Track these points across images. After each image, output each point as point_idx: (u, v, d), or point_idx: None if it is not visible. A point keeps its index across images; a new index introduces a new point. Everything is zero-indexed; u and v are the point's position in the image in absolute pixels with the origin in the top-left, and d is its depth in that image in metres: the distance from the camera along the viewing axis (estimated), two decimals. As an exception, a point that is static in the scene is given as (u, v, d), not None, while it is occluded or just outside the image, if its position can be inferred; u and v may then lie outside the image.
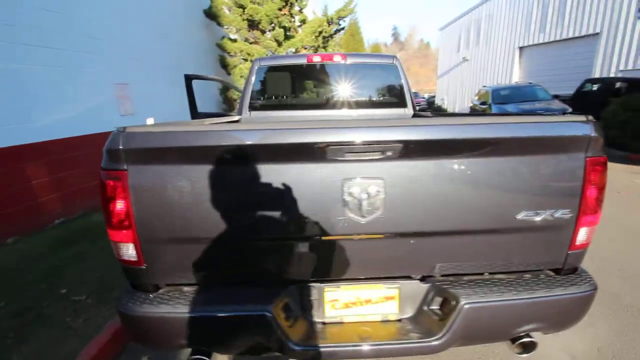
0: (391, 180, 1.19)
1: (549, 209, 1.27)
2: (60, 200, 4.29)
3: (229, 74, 7.89)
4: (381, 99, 3.43)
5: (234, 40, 7.85)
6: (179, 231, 1.23)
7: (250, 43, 7.66)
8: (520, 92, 9.85)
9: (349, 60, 3.27)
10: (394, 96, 3.39)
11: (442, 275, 1.39)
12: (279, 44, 7.86)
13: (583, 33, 14.12)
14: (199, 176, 1.18)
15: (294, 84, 3.38)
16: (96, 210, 4.43)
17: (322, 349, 1.24)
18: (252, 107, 3.31)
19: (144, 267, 1.27)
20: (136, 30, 5.34)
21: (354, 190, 1.19)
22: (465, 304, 1.26)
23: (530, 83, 10.49)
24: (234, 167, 1.19)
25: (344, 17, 10.85)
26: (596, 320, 2.31)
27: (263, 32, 7.87)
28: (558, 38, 15.41)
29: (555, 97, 9.88)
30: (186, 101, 4.34)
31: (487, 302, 1.27)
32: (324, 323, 1.38)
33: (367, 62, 3.37)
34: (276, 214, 1.21)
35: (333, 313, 1.38)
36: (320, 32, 8.81)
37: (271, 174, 1.19)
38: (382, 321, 1.39)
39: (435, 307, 1.37)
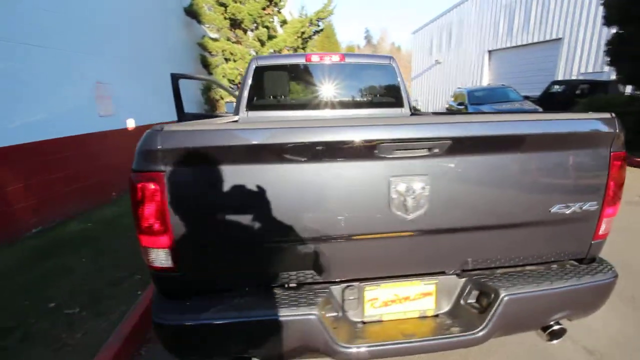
0: (435, 176, 1.20)
1: (579, 201, 1.32)
2: (35, 208, 3.98)
3: (210, 73, 7.69)
4: (379, 99, 3.46)
5: (216, 40, 7.65)
6: (217, 234, 1.16)
7: (233, 42, 7.50)
8: (494, 93, 10.30)
9: (347, 61, 3.27)
10: (392, 96, 3.43)
11: (477, 269, 1.40)
12: (262, 43, 7.76)
13: (547, 38, 15.02)
14: (240, 176, 1.12)
15: (293, 84, 3.34)
16: (74, 218, 4.16)
17: (369, 349, 1.22)
18: (250, 107, 3.22)
19: (178, 273, 1.19)
20: (114, 27, 5.07)
21: (400, 187, 1.18)
22: (506, 295, 1.28)
23: (503, 85, 11.00)
24: (279, 166, 1.14)
25: (323, 19, 10.90)
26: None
27: (245, 31, 7.73)
28: (524, 42, 16.29)
29: (526, 98, 10.41)
30: (169, 101, 4.16)
31: (526, 293, 1.29)
32: (363, 322, 1.36)
33: (364, 63, 3.38)
34: (321, 213, 1.18)
35: (372, 312, 1.35)
36: (303, 33, 8.79)
37: (317, 172, 1.15)
38: (420, 317, 1.39)
39: (472, 300, 1.39)
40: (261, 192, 1.14)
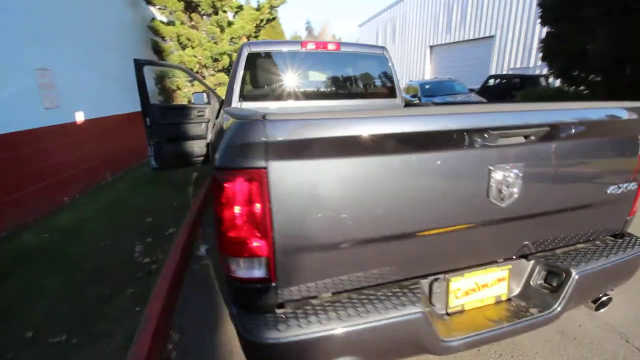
0: (528, 163, 1.22)
1: (627, 182, 1.45)
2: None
3: (163, 60, 6.97)
4: (373, 89, 3.45)
5: (169, 23, 6.94)
6: (320, 236, 1.04)
7: (189, 27, 6.87)
8: (442, 86, 10.97)
9: (343, 50, 3.19)
10: (386, 87, 3.44)
11: (542, 251, 1.47)
12: (222, 29, 7.24)
13: (481, 35, 16.40)
14: (347, 170, 1.01)
15: (288, 72, 3.16)
16: (26, 228, 3.51)
17: (467, 340, 1.20)
18: (244, 97, 2.99)
19: (274, 284, 1.04)
20: (51, 4, 4.29)
21: (498, 176, 1.17)
22: (577, 273, 1.35)
23: (450, 78, 11.77)
24: (383, 159, 1.05)
25: (276, 7, 10.58)
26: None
27: (202, 15, 7.13)
28: (462, 39, 17.60)
29: (471, 90, 11.28)
30: (122, 91, 3.67)
31: (592, 269, 1.38)
32: (448, 314, 1.34)
33: (359, 52, 3.33)
34: (423, 206, 1.12)
35: (456, 302, 1.34)
36: (262, 21, 8.41)
37: (418, 163, 1.09)
38: (496, 302, 1.41)
39: (540, 281, 1.45)
40: (366, 186, 1.04)
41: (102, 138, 5.17)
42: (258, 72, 3.04)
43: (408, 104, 3.51)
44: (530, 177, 1.22)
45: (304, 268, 1.07)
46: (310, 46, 3.10)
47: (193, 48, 6.92)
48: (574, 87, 8.26)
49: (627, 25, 5.77)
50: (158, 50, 6.95)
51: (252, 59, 2.99)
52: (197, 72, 7.01)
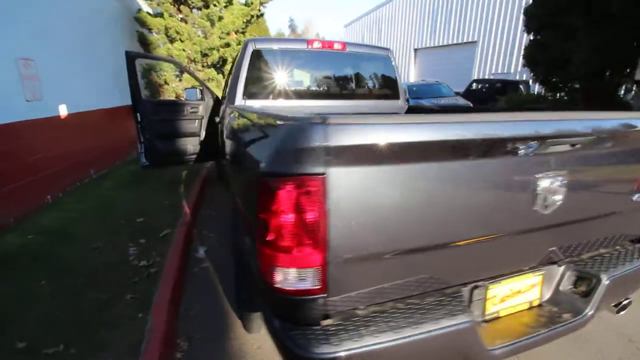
0: (571, 171, 1.23)
1: None
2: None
3: (150, 53, 6.69)
4: (377, 90, 3.43)
5: (157, 15, 6.65)
6: (371, 246, 1.00)
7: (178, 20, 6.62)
8: (430, 88, 11.15)
9: (348, 50, 3.16)
10: (389, 88, 3.43)
11: (572, 256, 1.48)
12: (212, 23, 7.02)
13: (464, 40, 16.81)
14: (402, 177, 0.98)
15: (293, 71, 3.09)
16: (8, 230, 3.26)
17: (509, 347, 1.19)
18: (248, 95, 2.90)
19: (324, 295, 0.99)
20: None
21: (545, 183, 1.17)
22: (607, 279, 1.37)
23: (437, 81, 11.98)
24: (441, 165, 1.02)
25: (265, 3, 10.46)
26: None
27: (191, 8, 6.89)
28: (445, 43, 17.98)
29: (457, 93, 11.53)
30: (106, 85, 3.49)
31: (620, 274, 1.41)
32: (485, 321, 1.33)
33: (364, 53, 3.30)
34: (474, 214, 1.10)
35: (492, 309, 1.33)
36: (252, 16, 8.24)
37: (475, 170, 1.07)
38: (529, 308, 1.42)
39: (570, 286, 1.46)
40: (422, 194, 1.01)
41: (85, 133, 4.90)
42: (262, 70, 2.96)
43: (410, 108, 3.51)
44: (571, 185, 1.23)
45: (353, 278, 1.03)
46: (317, 45, 3.04)
47: (182, 42, 6.69)
48: (552, 93, 8.61)
49: (608, 34, 6.04)
50: (145, 43, 6.67)
51: (257, 55, 2.90)
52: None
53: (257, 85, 2.95)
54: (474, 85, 13.11)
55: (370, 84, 3.43)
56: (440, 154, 1.00)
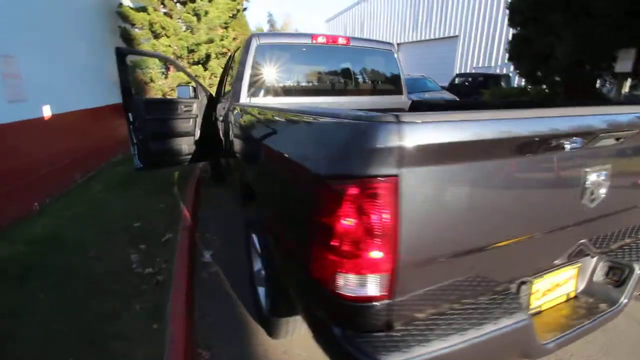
0: (614, 164, 1.25)
1: None
2: None
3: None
4: (381, 85, 3.41)
5: (139, 10, 6.35)
6: (439, 249, 0.97)
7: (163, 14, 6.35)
8: (416, 83, 11.23)
9: (352, 44, 3.11)
10: (392, 83, 3.41)
11: (603, 247, 1.51)
12: (199, 18, 6.78)
13: (446, 35, 17.07)
14: (474, 176, 0.97)
15: (298, 67, 3.02)
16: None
17: (558, 340, 1.20)
18: (252, 92, 2.81)
19: (390, 300, 0.95)
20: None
21: (592, 177, 1.18)
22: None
23: (422, 75, 12.09)
24: (510, 162, 1.01)
25: (248, -2, 10.24)
26: None
27: (176, 2, 6.63)
28: (428, 38, 18.20)
29: (443, 88, 11.69)
30: (88, 83, 3.30)
31: None
32: (530, 315, 1.33)
33: (369, 48, 3.26)
34: (531, 211, 1.11)
35: (535, 303, 1.34)
36: (238, 11, 8.04)
37: (535, 167, 1.08)
38: (567, 300, 1.43)
39: (603, 277, 1.49)
40: (492, 192, 1.01)
41: (70, 135, 4.65)
42: (267, 66, 2.87)
43: (414, 103, 3.50)
44: (614, 178, 1.25)
45: (418, 281, 1.00)
46: (321, 39, 2.97)
47: (168, 37, 6.44)
48: (534, 85, 8.87)
49: (588, 28, 6.25)
50: (128, 39, 6.37)
51: (261, 51, 2.81)
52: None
53: (261, 82, 2.86)
54: (457, 79, 13.33)
55: (374, 80, 3.40)
56: (509, 150, 0.99)
